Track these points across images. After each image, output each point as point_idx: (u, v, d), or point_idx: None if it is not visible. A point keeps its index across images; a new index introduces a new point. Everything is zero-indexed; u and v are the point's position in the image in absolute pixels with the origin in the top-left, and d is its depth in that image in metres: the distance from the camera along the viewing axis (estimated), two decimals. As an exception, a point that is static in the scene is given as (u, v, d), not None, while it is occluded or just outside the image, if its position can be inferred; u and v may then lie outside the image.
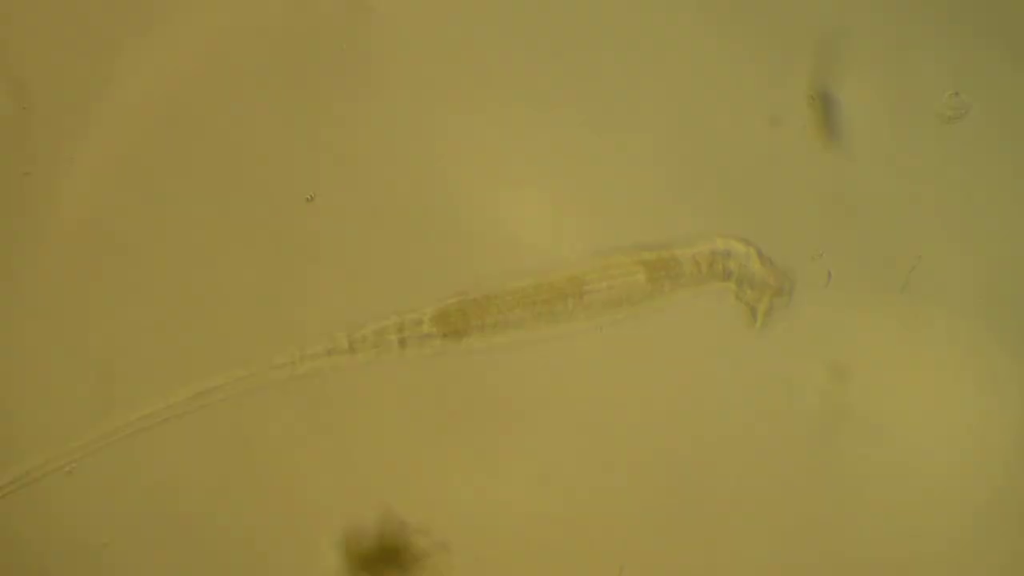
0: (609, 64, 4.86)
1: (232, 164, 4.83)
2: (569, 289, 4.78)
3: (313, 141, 4.84)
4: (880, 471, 4.80)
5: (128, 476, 4.75)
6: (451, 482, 4.76)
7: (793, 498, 4.80)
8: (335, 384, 4.80)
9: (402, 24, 4.87)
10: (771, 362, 4.82)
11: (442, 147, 4.84)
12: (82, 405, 4.76)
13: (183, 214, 4.83)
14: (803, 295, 4.82)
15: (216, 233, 4.83)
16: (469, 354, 4.82)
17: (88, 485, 4.74)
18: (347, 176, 4.85)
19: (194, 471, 4.75)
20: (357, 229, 4.85)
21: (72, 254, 4.82)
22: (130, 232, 4.83)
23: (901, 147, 4.84)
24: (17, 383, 4.78)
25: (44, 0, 4.86)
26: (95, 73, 4.84)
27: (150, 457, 4.75)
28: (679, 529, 4.80)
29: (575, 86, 4.86)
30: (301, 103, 4.85)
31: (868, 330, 4.83)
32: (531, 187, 4.84)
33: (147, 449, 4.74)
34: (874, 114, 4.82)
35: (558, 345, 4.83)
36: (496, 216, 4.81)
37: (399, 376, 4.82)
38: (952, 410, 4.82)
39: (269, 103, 4.85)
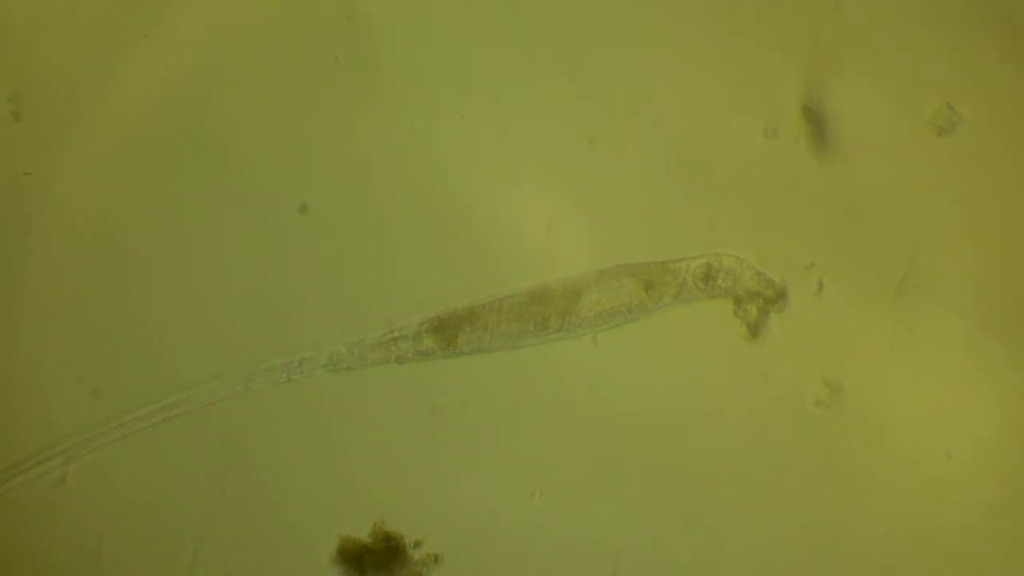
0: (605, 75, 4.89)
1: (227, 174, 4.86)
2: (564, 301, 4.79)
3: (307, 152, 4.86)
4: (878, 473, 4.78)
5: (122, 481, 4.75)
6: (446, 492, 4.75)
7: (791, 503, 4.79)
8: (330, 394, 4.80)
9: (399, 33, 4.88)
10: (768, 371, 4.82)
11: (438, 157, 4.85)
12: (77, 407, 4.76)
13: (181, 221, 4.85)
14: (797, 304, 4.84)
15: (213, 240, 4.85)
16: (464, 365, 4.82)
17: (83, 490, 4.74)
18: (341, 186, 4.87)
19: (188, 479, 4.75)
20: (351, 239, 4.86)
21: (72, 254, 4.83)
22: (126, 238, 4.84)
23: (894, 156, 4.87)
24: (14, 382, 4.77)
25: (43, 2, 4.93)
26: (93, 77, 4.85)
27: (145, 462, 4.75)
28: (673, 538, 4.78)
29: (571, 98, 4.89)
30: (297, 112, 4.88)
31: (864, 335, 4.84)
32: (527, 199, 4.85)
33: (141, 455, 4.75)
34: (867, 124, 4.86)
35: (552, 357, 4.83)
36: (492, 227, 4.81)
37: (394, 386, 4.81)
38: (950, 412, 4.82)
39: (266, 110, 4.88)
